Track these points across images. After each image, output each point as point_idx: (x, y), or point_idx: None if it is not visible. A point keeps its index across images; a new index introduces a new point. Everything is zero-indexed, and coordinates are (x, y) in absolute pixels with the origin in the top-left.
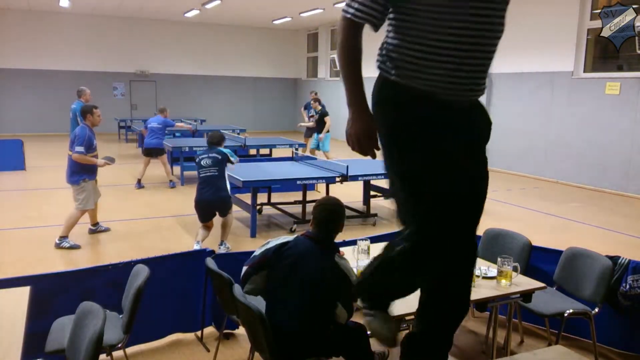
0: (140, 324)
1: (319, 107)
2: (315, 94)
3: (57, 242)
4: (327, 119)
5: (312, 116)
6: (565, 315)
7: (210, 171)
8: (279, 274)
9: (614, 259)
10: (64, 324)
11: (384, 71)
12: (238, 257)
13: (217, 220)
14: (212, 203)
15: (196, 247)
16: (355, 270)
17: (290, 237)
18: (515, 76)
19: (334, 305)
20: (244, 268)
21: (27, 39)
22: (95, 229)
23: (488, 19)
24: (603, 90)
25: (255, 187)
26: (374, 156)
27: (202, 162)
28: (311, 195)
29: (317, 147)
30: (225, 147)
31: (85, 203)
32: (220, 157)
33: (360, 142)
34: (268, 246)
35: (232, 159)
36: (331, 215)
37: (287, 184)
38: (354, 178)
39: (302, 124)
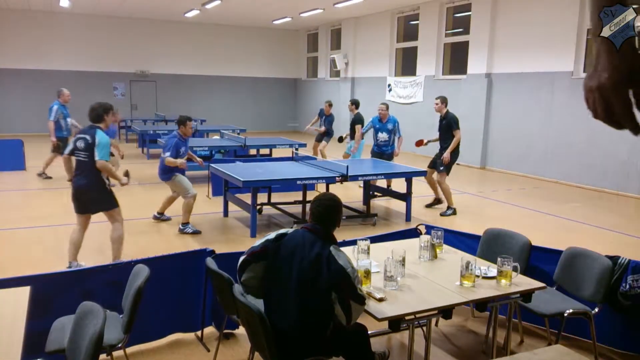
0: (140, 324)
1: (355, 111)
2: (352, 103)
3: (181, 227)
4: (357, 127)
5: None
6: (565, 315)
7: (81, 155)
8: (276, 264)
9: (614, 259)
10: (64, 324)
11: None
12: (238, 257)
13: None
14: (79, 190)
15: (72, 267)
16: (356, 268)
17: (289, 229)
18: (515, 76)
19: (329, 297)
20: (241, 258)
21: (27, 39)
22: (160, 217)
23: None
24: None
25: (255, 187)
26: (635, 130)
27: (77, 143)
28: (311, 195)
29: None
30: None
31: (188, 189)
32: (90, 141)
33: (603, 103)
34: (268, 237)
35: (96, 151)
36: (326, 210)
37: (287, 184)
38: (354, 178)
39: (311, 127)
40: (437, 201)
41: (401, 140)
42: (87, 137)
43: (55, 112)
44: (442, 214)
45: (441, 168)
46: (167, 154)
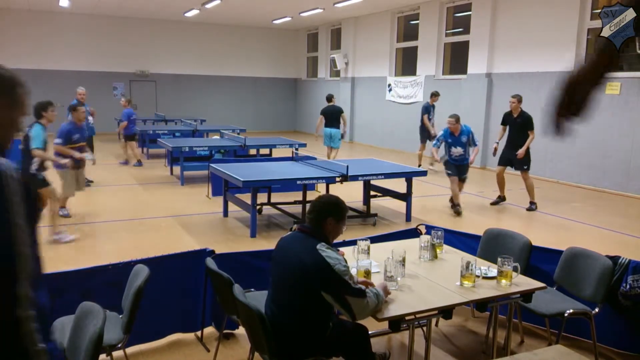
0: (140, 324)
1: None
2: (435, 95)
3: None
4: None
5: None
6: (566, 315)
7: (24, 144)
8: (274, 266)
9: (614, 258)
10: (64, 324)
11: None
12: (238, 257)
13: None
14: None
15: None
16: (354, 270)
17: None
18: (516, 76)
19: (319, 296)
20: None
21: (27, 39)
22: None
23: None
24: (603, 90)
25: (255, 187)
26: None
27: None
28: (311, 195)
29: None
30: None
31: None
32: (28, 133)
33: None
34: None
35: (32, 143)
36: (316, 210)
37: (287, 184)
38: (354, 178)
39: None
40: (501, 199)
41: (477, 151)
42: (29, 128)
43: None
44: (528, 209)
45: (525, 167)
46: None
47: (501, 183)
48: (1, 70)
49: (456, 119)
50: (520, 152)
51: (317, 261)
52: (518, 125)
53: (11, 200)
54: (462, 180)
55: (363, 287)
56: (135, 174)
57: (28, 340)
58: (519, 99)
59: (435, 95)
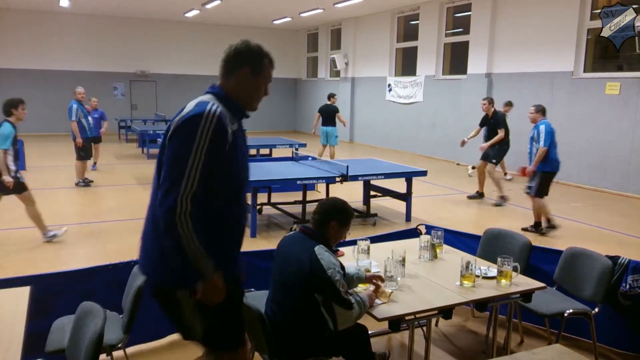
0: (140, 324)
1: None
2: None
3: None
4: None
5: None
6: (565, 315)
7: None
8: (274, 265)
9: (614, 258)
10: (64, 324)
11: None
12: None
13: None
14: None
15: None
16: (354, 269)
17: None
18: (515, 76)
19: (314, 298)
20: None
21: (27, 39)
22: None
23: None
24: (603, 90)
25: (255, 187)
26: None
27: None
28: (311, 195)
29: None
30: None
31: None
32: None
33: None
34: None
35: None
36: (323, 212)
37: (287, 184)
38: (354, 178)
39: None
40: (479, 194)
41: (541, 154)
42: None
43: (76, 111)
44: (495, 204)
45: (494, 160)
46: None
47: (481, 178)
48: (250, 44)
49: (536, 108)
50: (483, 145)
51: (312, 263)
52: (491, 125)
53: (200, 136)
54: (528, 193)
55: (352, 299)
56: (135, 174)
57: (178, 235)
58: (489, 100)
59: (508, 105)
